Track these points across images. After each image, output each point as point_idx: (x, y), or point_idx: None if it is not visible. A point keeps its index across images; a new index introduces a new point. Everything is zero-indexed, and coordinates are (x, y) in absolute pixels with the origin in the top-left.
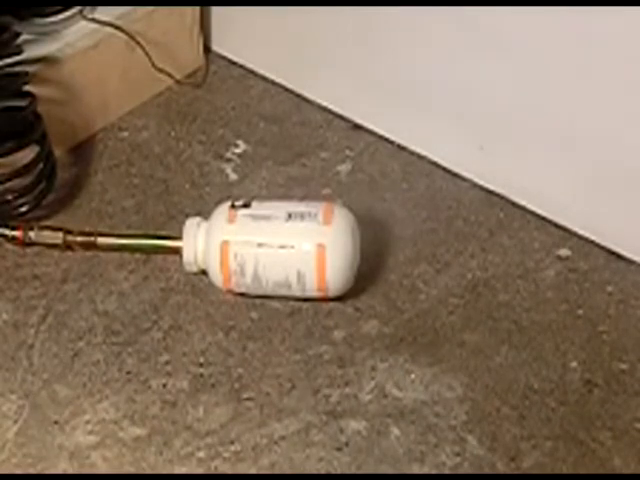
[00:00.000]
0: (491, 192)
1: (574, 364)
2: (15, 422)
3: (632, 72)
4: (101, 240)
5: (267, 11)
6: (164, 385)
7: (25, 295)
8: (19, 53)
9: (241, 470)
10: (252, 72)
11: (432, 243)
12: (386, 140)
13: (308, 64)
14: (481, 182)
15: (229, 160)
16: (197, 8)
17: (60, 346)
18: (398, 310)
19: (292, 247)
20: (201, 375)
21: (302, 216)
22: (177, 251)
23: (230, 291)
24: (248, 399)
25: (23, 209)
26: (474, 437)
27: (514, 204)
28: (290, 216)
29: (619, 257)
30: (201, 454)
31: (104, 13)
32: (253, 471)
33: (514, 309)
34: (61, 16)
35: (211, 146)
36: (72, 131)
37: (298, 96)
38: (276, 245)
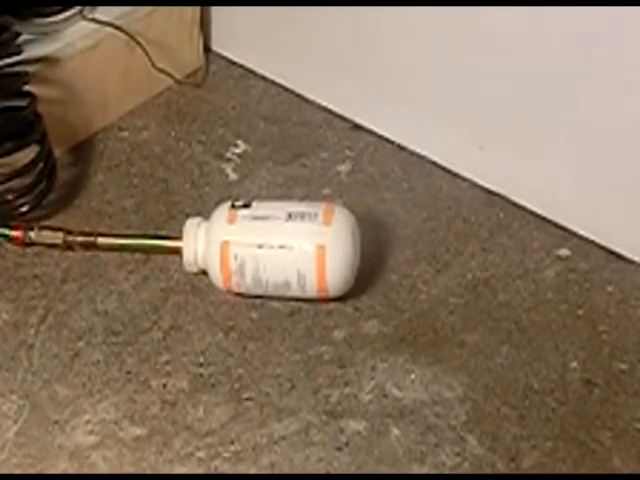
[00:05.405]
0: (491, 192)
1: (574, 364)
2: (15, 422)
3: (633, 74)
4: (101, 240)
5: (267, 11)
6: (164, 385)
7: (25, 295)
8: (19, 53)
9: (241, 470)
10: (252, 72)
11: (432, 243)
12: (386, 140)
13: (308, 64)
14: (481, 182)
15: (229, 160)
16: (197, 8)
17: (60, 346)
18: (398, 310)
19: (292, 247)
20: (201, 375)
21: (302, 216)
22: (177, 251)
23: (230, 291)
24: (248, 399)
25: (23, 209)
26: (474, 437)
27: (514, 204)
28: (290, 216)
29: (619, 257)
30: (201, 454)
31: (104, 13)
32: (253, 471)
33: (514, 309)
34: (61, 16)
35: (211, 146)
36: (72, 131)
37: (298, 96)
38: (276, 245)
